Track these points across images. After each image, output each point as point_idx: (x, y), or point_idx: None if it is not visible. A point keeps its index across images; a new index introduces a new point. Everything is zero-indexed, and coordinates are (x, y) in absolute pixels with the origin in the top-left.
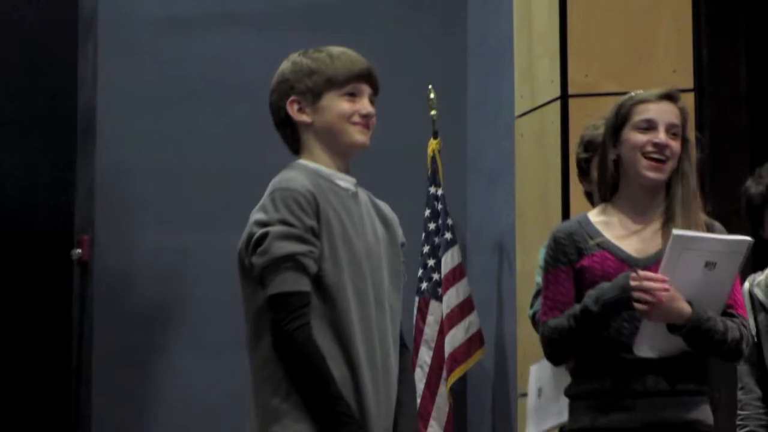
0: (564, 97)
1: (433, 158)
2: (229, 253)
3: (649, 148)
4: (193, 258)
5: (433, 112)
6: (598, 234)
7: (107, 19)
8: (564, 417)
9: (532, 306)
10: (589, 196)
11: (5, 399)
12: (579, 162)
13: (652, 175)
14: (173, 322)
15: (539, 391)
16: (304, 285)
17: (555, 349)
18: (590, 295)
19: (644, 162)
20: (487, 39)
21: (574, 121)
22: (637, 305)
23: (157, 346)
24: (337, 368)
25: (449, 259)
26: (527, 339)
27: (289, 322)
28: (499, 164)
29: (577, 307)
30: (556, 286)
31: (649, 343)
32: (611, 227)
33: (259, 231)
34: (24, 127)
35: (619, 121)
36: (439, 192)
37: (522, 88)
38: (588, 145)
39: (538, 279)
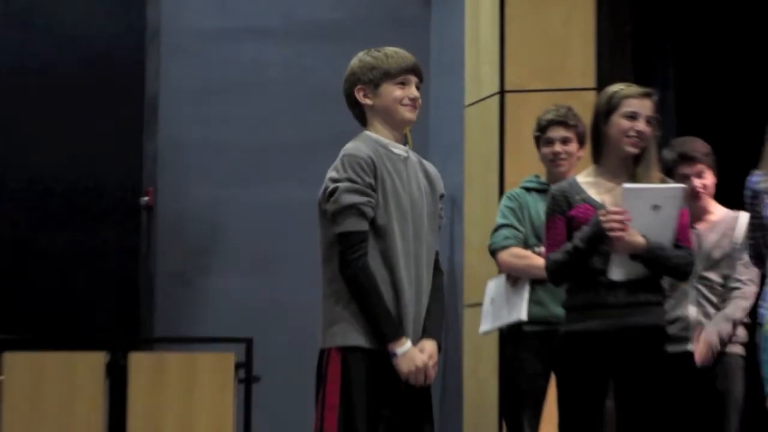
0: (501, 93)
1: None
2: (257, 203)
3: (632, 133)
4: (231, 206)
5: None
6: (583, 191)
7: (169, 30)
8: (511, 318)
9: (491, 238)
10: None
11: (88, 313)
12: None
13: (631, 150)
14: (217, 250)
15: (492, 300)
16: (362, 226)
17: (556, 276)
18: (576, 236)
19: (626, 140)
20: (444, 48)
21: (509, 111)
22: (610, 233)
23: (205, 269)
24: (384, 286)
25: None
26: (471, 266)
27: (351, 253)
28: (453, 141)
29: (568, 245)
30: (555, 230)
31: (618, 269)
32: (593, 186)
33: (332, 185)
34: (105, 111)
35: (610, 108)
36: None
37: (470, 85)
38: (538, 126)
39: (498, 219)
